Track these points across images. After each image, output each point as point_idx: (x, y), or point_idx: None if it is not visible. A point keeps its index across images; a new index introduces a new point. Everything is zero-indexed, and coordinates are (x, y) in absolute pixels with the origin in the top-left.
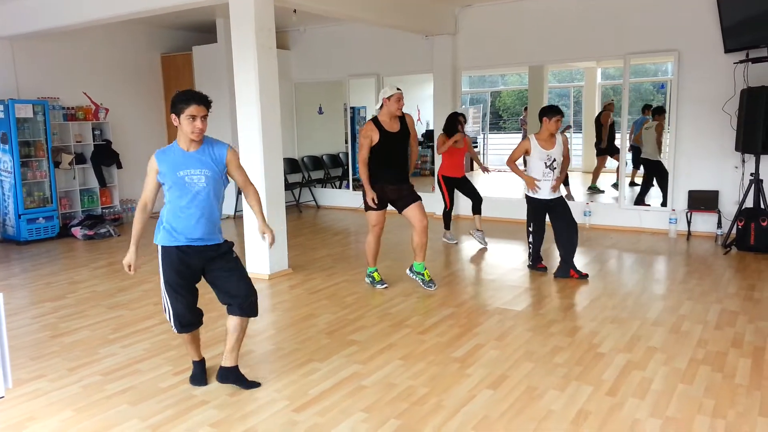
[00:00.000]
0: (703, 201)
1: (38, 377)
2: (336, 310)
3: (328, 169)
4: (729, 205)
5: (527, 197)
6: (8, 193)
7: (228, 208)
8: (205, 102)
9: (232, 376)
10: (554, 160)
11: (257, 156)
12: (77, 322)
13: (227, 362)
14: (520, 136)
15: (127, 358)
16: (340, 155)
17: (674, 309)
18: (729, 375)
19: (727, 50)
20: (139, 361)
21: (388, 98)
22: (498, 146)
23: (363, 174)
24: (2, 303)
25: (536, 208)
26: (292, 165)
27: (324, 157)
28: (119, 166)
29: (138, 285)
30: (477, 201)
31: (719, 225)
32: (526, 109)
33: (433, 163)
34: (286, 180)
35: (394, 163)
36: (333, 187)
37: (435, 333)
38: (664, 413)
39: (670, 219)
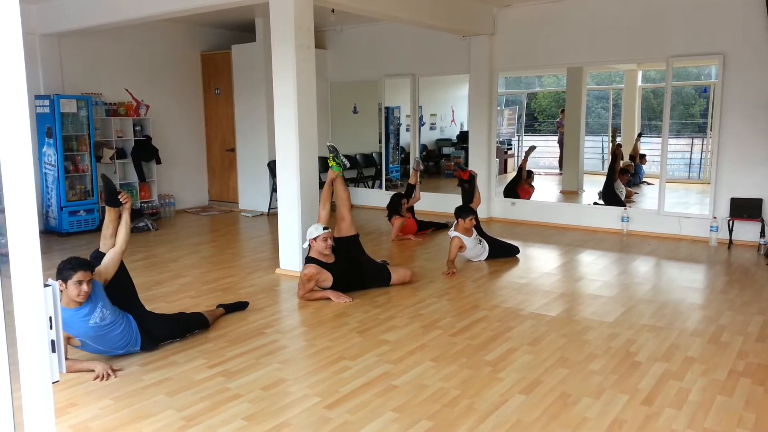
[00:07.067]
0: (746, 209)
1: None
2: (367, 309)
3: (361, 169)
4: None
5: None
6: (51, 186)
7: (262, 206)
8: (90, 267)
9: None
10: (479, 238)
11: (293, 154)
12: None
13: None
14: (555, 138)
15: (163, 350)
16: (374, 155)
17: (714, 319)
18: None
19: None
20: (175, 353)
21: (315, 239)
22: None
23: (318, 296)
24: (58, 292)
25: None
26: (325, 164)
27: (357, 156)
28: (158, 162)
29: (175, 279)
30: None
31: (762, 234)
32: (562, 111)
33: (467, 164)
34: (320, 179)
35: (354, 281)
36: (366, 187)
37: (467, 336)
38: (702, 425)
39: (711, 227)
